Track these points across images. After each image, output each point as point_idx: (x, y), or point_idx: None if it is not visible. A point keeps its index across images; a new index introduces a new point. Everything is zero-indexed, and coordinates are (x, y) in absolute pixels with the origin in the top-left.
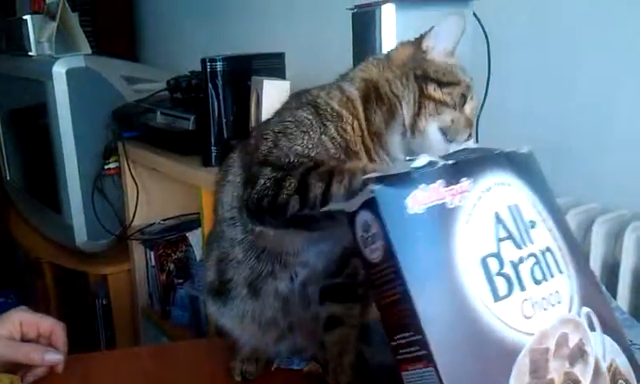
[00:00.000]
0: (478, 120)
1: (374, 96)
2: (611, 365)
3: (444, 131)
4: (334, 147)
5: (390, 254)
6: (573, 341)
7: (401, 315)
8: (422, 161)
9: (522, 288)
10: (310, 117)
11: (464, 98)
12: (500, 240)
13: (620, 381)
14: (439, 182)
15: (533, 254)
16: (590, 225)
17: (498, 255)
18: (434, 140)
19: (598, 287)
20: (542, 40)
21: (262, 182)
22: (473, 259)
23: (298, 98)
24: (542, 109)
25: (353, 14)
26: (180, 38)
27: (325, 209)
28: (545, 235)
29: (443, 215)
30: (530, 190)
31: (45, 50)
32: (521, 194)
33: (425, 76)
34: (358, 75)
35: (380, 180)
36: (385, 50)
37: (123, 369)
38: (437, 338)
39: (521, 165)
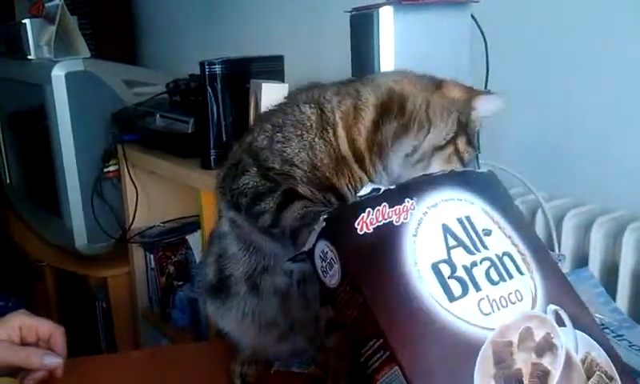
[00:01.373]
0: None
1: (395, 108)
2: (586, 357)
3: None
4: (323, 153)
5: (345, 272)
6: (538, 335)
7: (363, 327)
8: (366, 189)
9: (478, 288)
10: (313, 117)
11: (469, 162)
12: (450, 248)
13: (598, 372)
14: (384, 204)
15: (488, 258)
16: (589, 226)
17: (448, 261)
18: None
19: (569, 287)
20: (541, 42)
21: (245, 181)
22: (424, 266)
23: (309, 91)
24: (540, 111)
25: (351, 16)
26: (179, 41)
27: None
28: (502, 242)
29: (391, 232)
30: (485, 203)
31: (44, 54)
32: (474, 207)
33: (465, 127)
34: (388, 85)
35: (331, 212)
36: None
37: (122, 372)
38: (398, 338)
39: (477, 182)
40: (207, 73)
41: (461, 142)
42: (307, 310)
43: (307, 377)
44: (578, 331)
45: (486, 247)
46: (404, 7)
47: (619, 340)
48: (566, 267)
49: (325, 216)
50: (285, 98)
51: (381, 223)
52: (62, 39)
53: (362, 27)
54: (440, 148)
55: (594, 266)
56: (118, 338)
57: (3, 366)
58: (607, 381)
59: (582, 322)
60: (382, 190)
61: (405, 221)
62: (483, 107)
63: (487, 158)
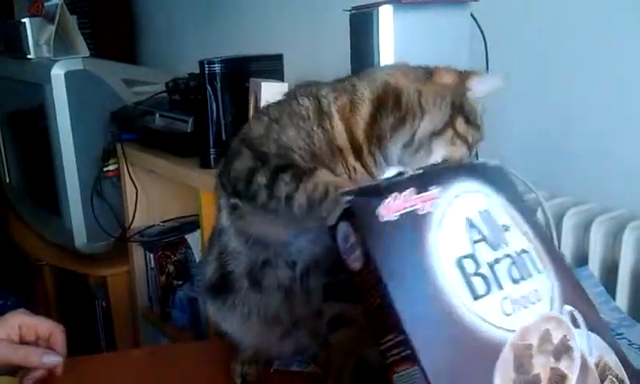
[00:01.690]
0: None
1: (391, 102)
2: (599, 361)
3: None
4: (321, 141)
5: (368, 260)
6: (556, 337)
7: (385, 318)
8: (391, 172)
9: (500, 287)
10: (311, 108)
11: (476, 143)
12: (474, 242)
13: (610, 376)
14: (409, 190)
15: (509, 255)
16: (589, 224)
17: (473, 256)
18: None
19: (580, 287)
20: (540, 41)
21: (241, 166)
22: (448, 260)
23: (307, 87)
24: (540, 109)
25: (350, 15)
26: (178, 40)
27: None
28: (519, 238)
29: (415, 221)
30: (500, 197)
31: (43, 53)
32: (491, 200)
33: (460, 108)
34: (383, 78)
35: (355, 192)
36: (428, 64)
37: (122, 371)
38: (420, 337)
39: (490, 175)
40: (206, 72)
41: (459, 124)
42: (311, 306)
43: (307, 376)
44: (591, 333)
45: (506, 243)
46: (403, 6)
47: (619, 338)
48: None
49: (348, 197)
50: (284, 95)
51: (406, 210)
52: (61, 38)
53: (362, 26)
54: (438, 133)
55: (594, 264)
56: (117, 337)
57: (3, 364)
58: None
59: (595, 324)
60: (407, 174)
61: (430, 210)
62: (478, 87)
63: (487, 156)
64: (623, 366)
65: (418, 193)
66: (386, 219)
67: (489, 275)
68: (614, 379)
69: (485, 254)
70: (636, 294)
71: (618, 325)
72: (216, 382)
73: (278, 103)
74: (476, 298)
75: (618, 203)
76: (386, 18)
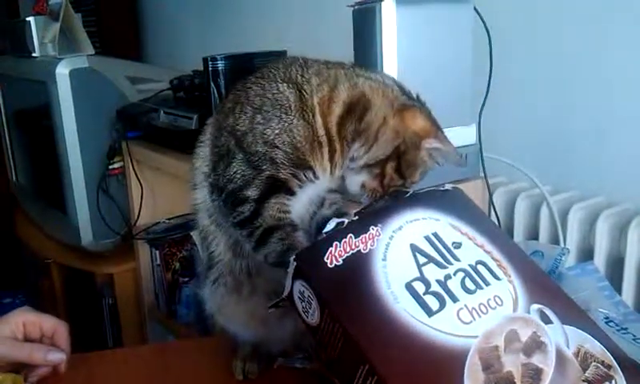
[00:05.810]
0: (480, 115)
1: (358, 112)
2: (579, 350)
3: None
4: (302, 135)
5: (324, 306)
6: (525, 335)
7: (348, 357)
8: (331, 225)
9: (455, 300)
10: (291, 98)
11: (393, 187)
12: (421, 265)
13: (593, 363)
14: (349, 236)
15: (461, 269)
16: (594, 219)
17: (421, 278)
18: (350, 187)
19: (552, 286)
20: (545, 33)
21: (234, 169)
22: (398, 287)
23: (288, 69)
24: (545, 103)
25: (353, 10)
26: (183, 38)
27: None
28: (474, 251)
29: (360, 260)
30: (450, 218)
31: (48, 51)
32: (439, 223)
33: (399, 155)
34: (363, 87)
35: (299, 252)
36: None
37: (126, 368)
38: (384, 361)
39: (439, 200)
40: (210, 68)
41: (389, 167)
42: None
43: (310, 373)
44: (567, 326)
45: (457, 259)
46: (406, 1)
47: (623, 333)
48: (570, 261)
49: (294, 257)
50: (264, 70)
51: (349, 253)
52: (66, 36)
53: (365, 21)
54: (369, 165)
55: (600, 259)
56: (124, 334)
57: (7, 362)
58: (605, 369)
59: (571, 316)
60: (345, 223)
61: (372, 248)
62: (431, 149)
63: (492, 152)
64: (609, 351)
65: (358, 236)
66: (333, 265)
67: (441, 291)
68: (600, 365)
69: (434, 273)
70: None
71: (623, 319)
72: (222, 379)
73: (259, 85)
74: (431, 314)
75: (624, 197)
76: (389, 13)
